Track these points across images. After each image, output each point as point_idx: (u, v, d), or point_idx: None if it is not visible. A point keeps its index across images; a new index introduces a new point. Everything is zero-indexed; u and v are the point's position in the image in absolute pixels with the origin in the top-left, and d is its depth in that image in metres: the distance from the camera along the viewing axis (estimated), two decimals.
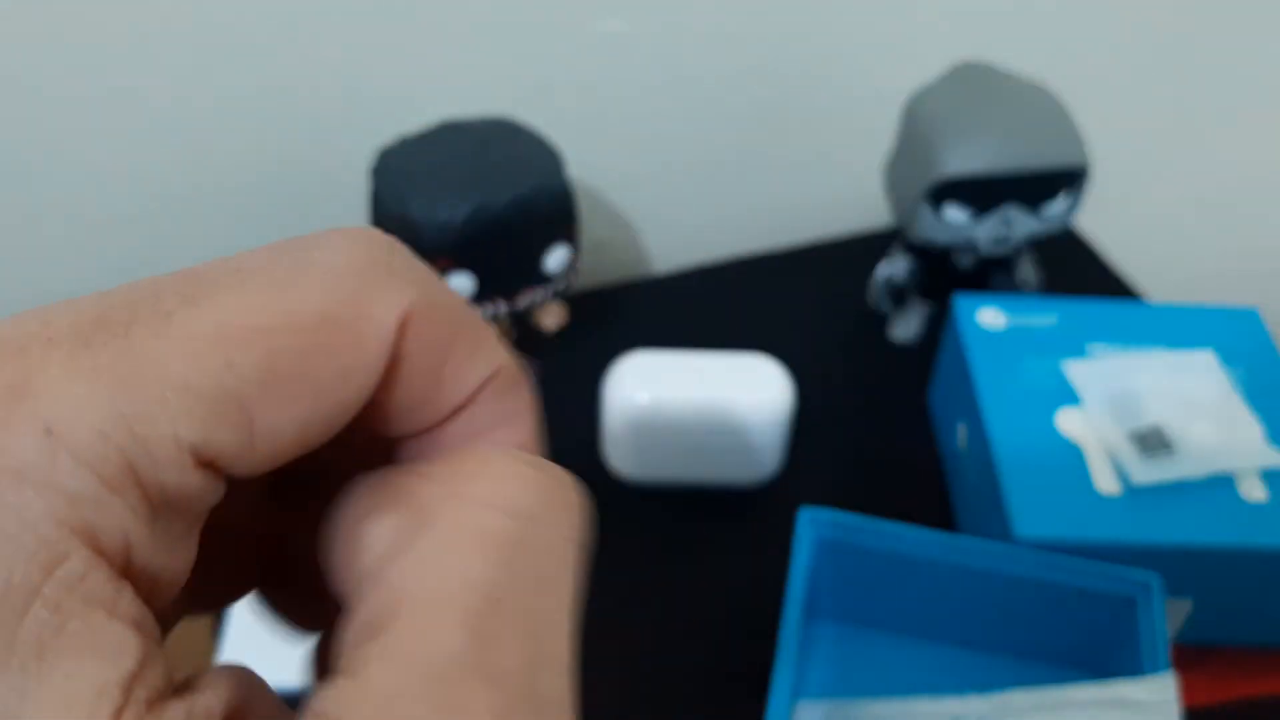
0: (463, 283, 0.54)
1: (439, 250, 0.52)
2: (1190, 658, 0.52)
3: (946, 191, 0.58)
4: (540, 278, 0.56)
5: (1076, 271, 0.73)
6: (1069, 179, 0.59)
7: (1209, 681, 0.52)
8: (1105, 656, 0.47)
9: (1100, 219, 0.75)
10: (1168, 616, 0.50)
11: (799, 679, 0.48)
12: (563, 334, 0.62)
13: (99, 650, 0.11)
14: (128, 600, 0.12)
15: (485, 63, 0.65)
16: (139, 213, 0.64)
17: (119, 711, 0.11)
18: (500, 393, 0.16)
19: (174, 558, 0.13)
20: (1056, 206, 0.60)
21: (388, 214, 0.53)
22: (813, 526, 0.47)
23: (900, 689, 0.48)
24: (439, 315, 0.15)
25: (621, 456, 0.55)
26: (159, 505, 0.12)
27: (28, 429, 0.11)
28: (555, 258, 0.56)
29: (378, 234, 0.15)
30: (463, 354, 0.15)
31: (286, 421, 0.13)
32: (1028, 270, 0.66)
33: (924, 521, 0.47)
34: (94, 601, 0.11)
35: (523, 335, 0.64)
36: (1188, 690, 0.48)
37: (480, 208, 0.52)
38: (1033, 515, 0.48)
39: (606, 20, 0.65)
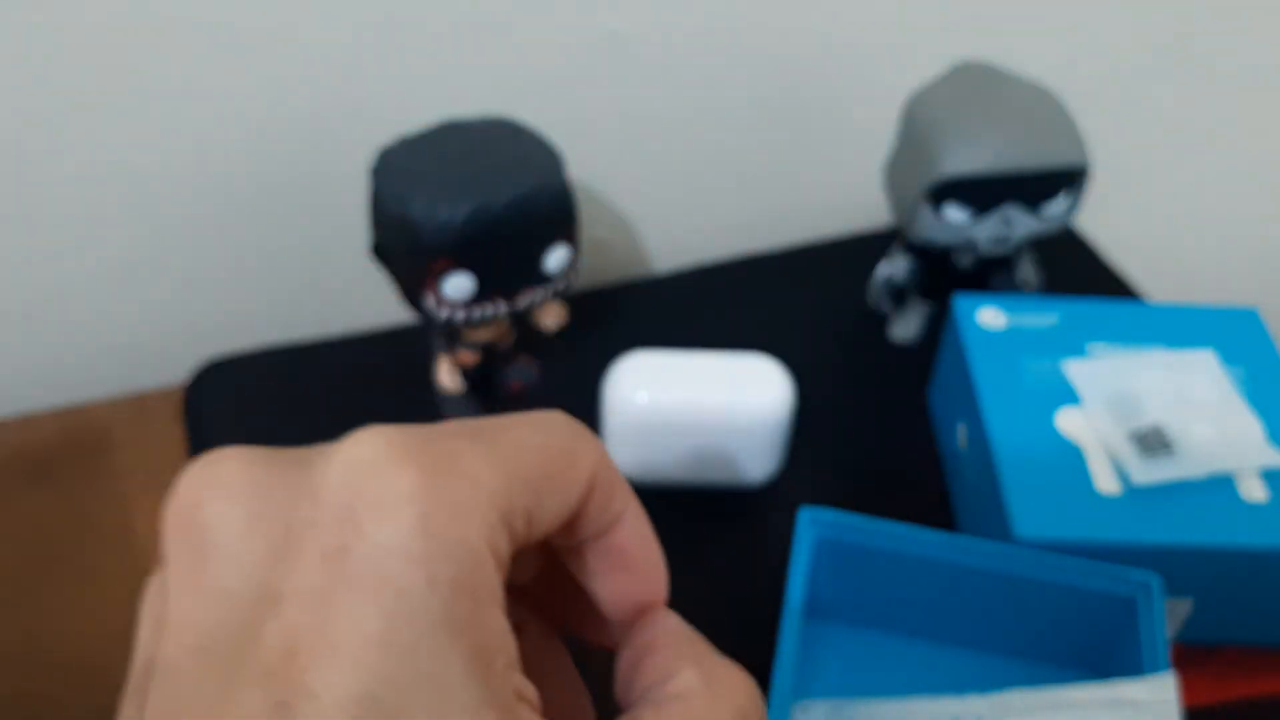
0: (463, 282, 0.54)
1: (439, 250, 0.52)
2: (1190, 658, 0.52)
3: (946, 191, 0.58)
4: (540, 277, 0.56)
5: (1076, 271, 0.73)
6: (1069, 179, 0.59)
7: (1209, 681, 0.52)
8: (1105, 656, 0.47)
9: (1100, 219, 0.75)
10: (1168, 616, 0.50)
11: (798, 679, 0.48)
12: (563, 333, 0.62)
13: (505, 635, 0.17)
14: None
15: (485, 63, 0.65)
16: (136, 212, 0.64)
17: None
18: (636, 518, 0.23)
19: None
20: (1057, 206, 0.60)
21: (388, 213, 0.53)
22: (813, 526, 0.47)
23: (900, 689, 0.48)
24: (608, 463, 0.21)
25: (621, 456, 0.55)
26: (516, 544, 0.19)
27: (460, 484, 0.18)
28: (555, 258, 0.56)
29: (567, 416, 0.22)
30: (618, 489, 0.22)
31: (550, 512, 0.19)
32: (1028, 270, 0.66)
33: (924, 521, 0.47)
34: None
35: (523, 335, 0.64)
36: (1188, 690, 0.48)
37: (480, 208, 0.52)
38: (1033, 515, 0.48)
39: (607, 20, 0.65)
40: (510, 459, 0.18)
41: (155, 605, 0.19)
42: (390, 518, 0.16)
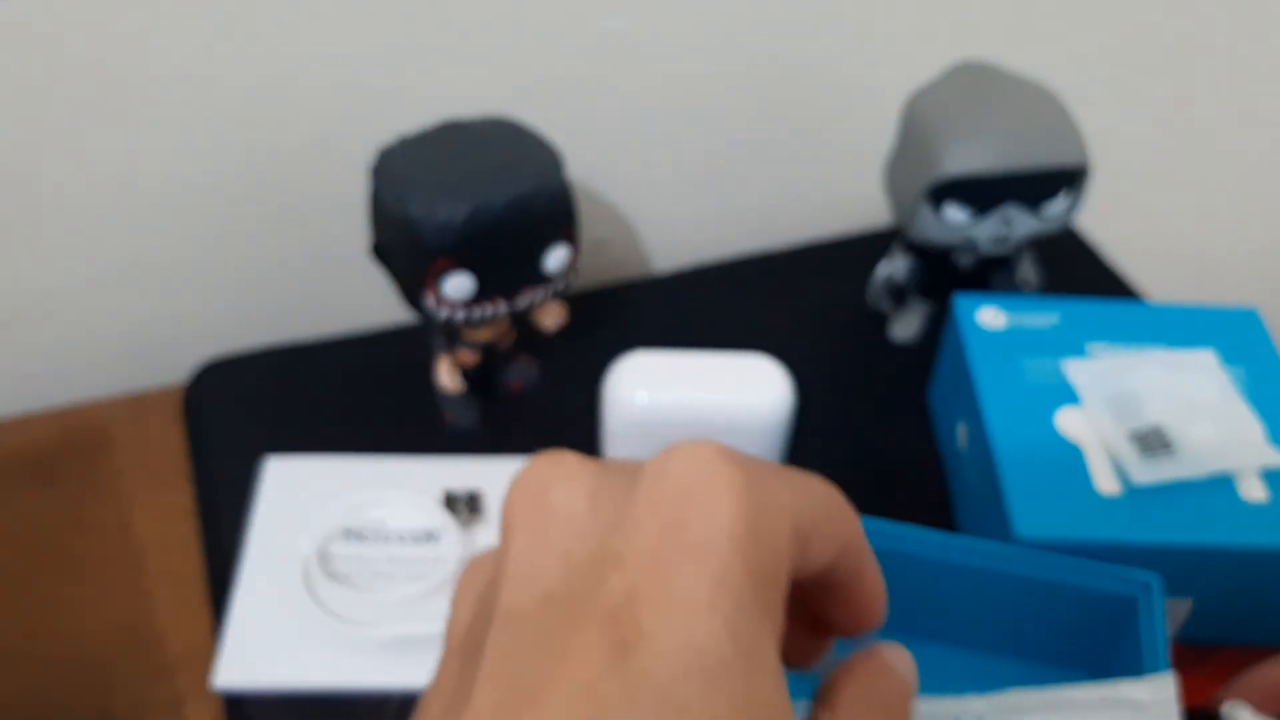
0: (462, 282, 0.54)
1: (439, 250, 0.52)
2: (1190, 658, 0.52)
3: (946, 191, 0.58)
4: (540, 277, 0.56)
5: (1076, 271, 0.73)
6: (1069, 179, 0.59)
7: (1209, 681, 0.52)
8: (1105, 656, 0.47)
9: (1100, 218, 0.75)
10: (1168, 616, 0.50)
11: (797, 678, 0.48)
12: (563, 334, 0.62)
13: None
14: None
15: (485, 62, 0.65)
16: (135, 213, 0.64)
17: None
18: (875, 579, 0.25)
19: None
20: (1057, 206, 0.60)
21: (388, 213, 0.53)
22: None
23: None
24: (861, 531, 0.23)
25: (622, 456, 0.55)
26: (783, 572, 0.19)
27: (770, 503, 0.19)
28: (555, 257, 0.56)
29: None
30: (866, 556, 0.24)
31: (815, 553, 0.21)
32: (1028, 270, 0.66)
33: (924, 521, 0.47)
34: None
35: (523, 335, 0.64)
36: (1188, 690, 0.48)
37: (480, 207, 0.52)
38: (1033, 515, 0.48)
39: (606, 20, 0.65)
40: (802, 493, 0.20)
41: (476, 582, 0.21)
42: (723, 503, 0.18)
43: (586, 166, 0.70)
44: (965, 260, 0.65)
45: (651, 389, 0.53)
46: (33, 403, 0.65)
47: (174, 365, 0.68)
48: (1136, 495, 0.49)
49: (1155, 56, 0.82)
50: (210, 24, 0.58)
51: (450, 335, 0.61)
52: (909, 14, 0.72)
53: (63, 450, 0.62)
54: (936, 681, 0.49)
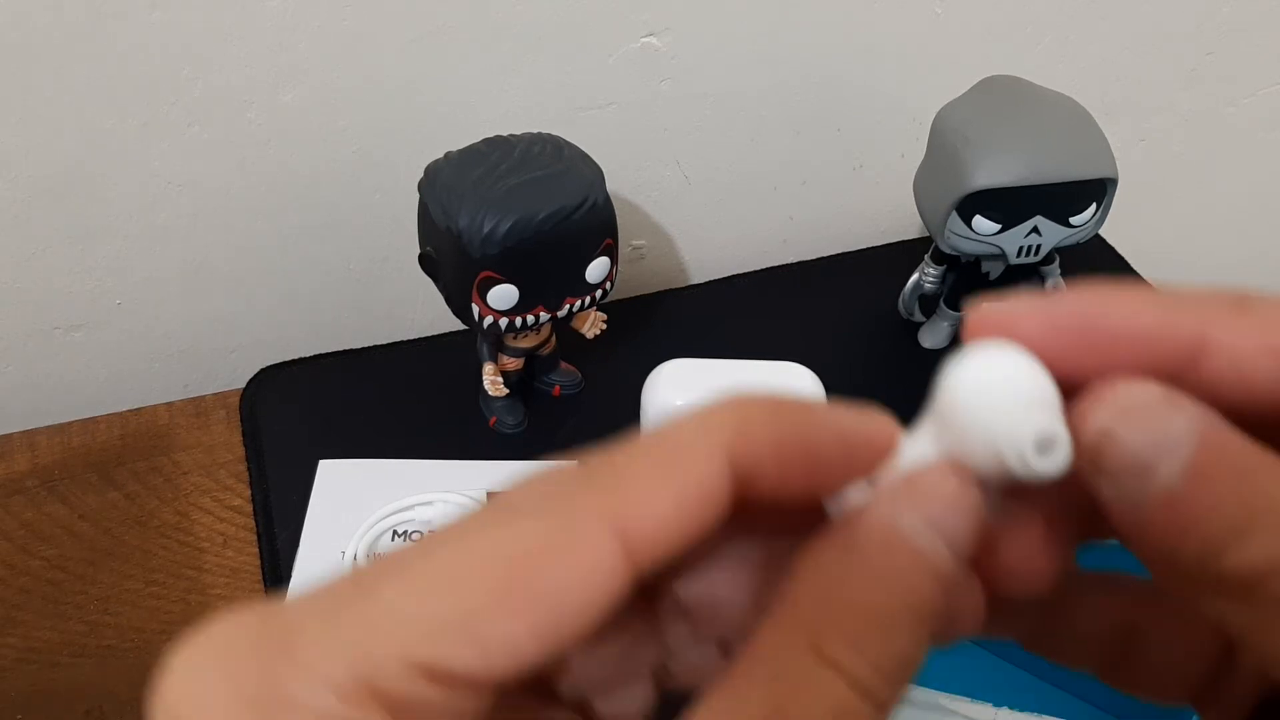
0: (507, 292, 0.56)
1: (484, 262, 0.54)
2: None
3: (975, 203, 0.59)
4: (581, 287, 0.58)
5: (1104, 279, 0.74)
6: (1097, 189, 0.60)
7: None
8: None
9: (1127, 227, 0.76)
10: None
11: None
12: (603, 341, 0.64)
13: None
14: None
15: (530, 82, 0.67)
16: (198, 221, 0.66)
17: None
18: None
19: None
20: (1085, 216, 0.61)
21: (435, 227, 0.56)
22: None
23: (936, 684, 0.49)
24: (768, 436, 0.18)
25: None
26: (404, 710, 0.15)
27: (292, 673, 0.15)
28: (596, 268, 0.58)
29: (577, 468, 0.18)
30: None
31: (520, 633, 0.16)
32: (1057, 279, 0.67)
33: None
34: None
35: (564, 342, 0.65)
36: None
37: (523, 221, 0.54)
38: None
39: (644, 40, 0.67)
40: (406, 597, 0.16)
41: None
42: None
43: (626, 180, 0.72)
44: (995, 270, 0.66)
45: (688, 394, 0.55)
46: (98, 406, 0.68)
47: (232, 371, 0.70)
48: None
49: (1181, 67, 0.83)
50: (267, 50, 0.60)
51: (495, 342, 0.62)
52: (939, 31, 0.74)
53: (125, 451, 0.64)
54: (968, 685, 0.50)
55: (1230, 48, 0.82)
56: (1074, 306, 0.18)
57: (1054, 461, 0.17)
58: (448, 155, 0.57)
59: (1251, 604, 0.15)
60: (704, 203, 0.78)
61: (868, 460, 0.18)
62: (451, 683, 0.15)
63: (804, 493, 0.18)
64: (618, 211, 0.58)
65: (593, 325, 0.63)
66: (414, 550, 0.16)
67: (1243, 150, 0.91)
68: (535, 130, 0.59)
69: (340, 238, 0.70)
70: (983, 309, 0.18)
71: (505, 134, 0.59)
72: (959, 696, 0.50)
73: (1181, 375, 0.17)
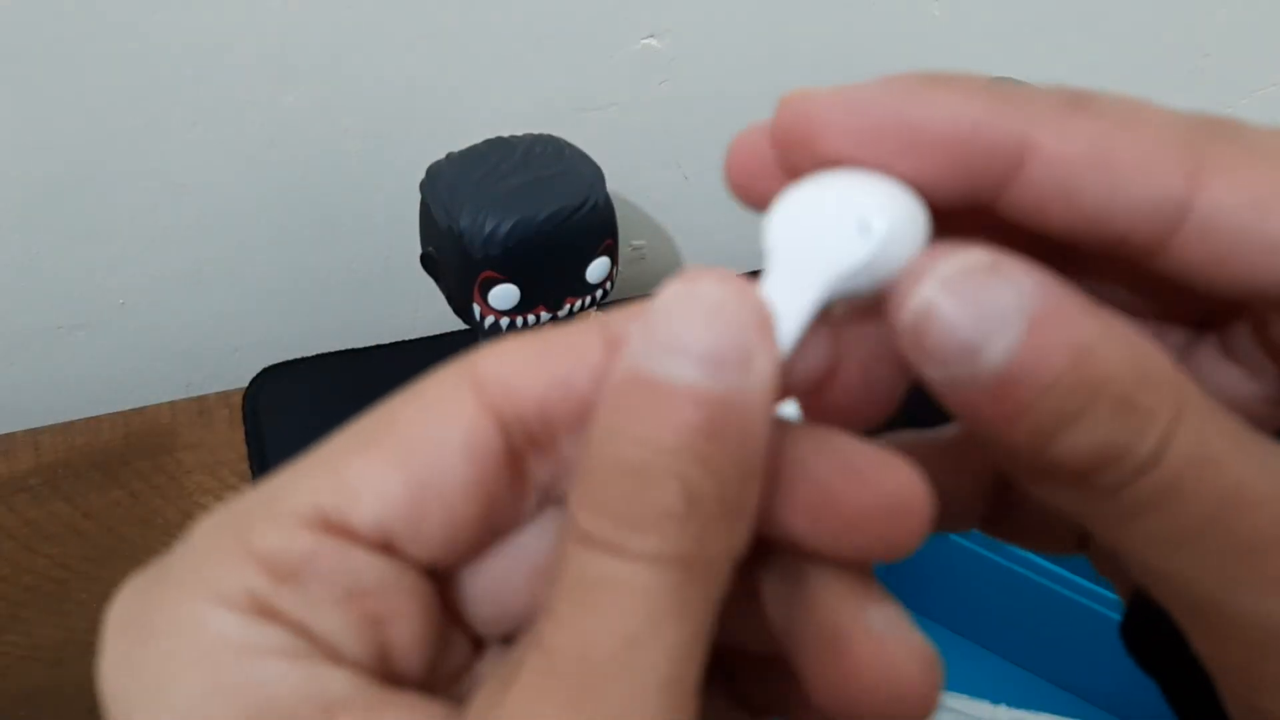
0: (508, 292, 0.56)
1: (485, 262, 0.55)
2: None
3: None
4: (582, 288, 0.59)
5: None
6: None
7: None
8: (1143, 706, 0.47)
9: None
10: None
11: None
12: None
13: None
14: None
15: (530, 83, 0.67)
16: (201, 220, 0.67)
17: None
18: None
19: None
20: None
21: (437, 227, 0.56)
22: None
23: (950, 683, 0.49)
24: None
25: None
26: (287, 568, 0.15)
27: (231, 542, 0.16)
28: (596, 268, 0.58)
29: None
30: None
31: (390, 480, 0.15)
32: None
33: None
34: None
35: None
36: None
37: (524, 221, 0.54)
38: None
39: (644, 41, 0.68)
40: (360, 471, 0.16)
41: None
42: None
43: (626, 180, 0.73)
44: None
45: None
46: (101, 405, 0.68)
47: (235, 370, 0.71)
48: None
49: (1179, 68, 0.83)
50: (269, 49, 0.60)
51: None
52: (937, 32, 0.74)
53: (129, 450, 0.65)
54: (967, 682, 0.50)
55: (1228, 49, 0.83)
56: (883, 99, 0.15)
57: (869, 241, 0.15)
58: (449, 156, 0.58)
59: (1086, 496, 0.14)
60: (704, 203, 0.78)
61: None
62: (325, 529, 0.15)
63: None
64: (618, 211, 0.59)
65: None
66: (367, 422, 0.17)
67: None
68: (536, 131, 0.60)
69: (342, 238, 0.70)
70: (788, 99, 0.16)
71: (506, 135, 0.59)
72: (958, 693, 0.50)
73: (999, 187, 0.15)
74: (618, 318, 0.16)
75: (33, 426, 0.66)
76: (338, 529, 0.15)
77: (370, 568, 0.15)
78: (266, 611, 0.14)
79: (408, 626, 0.15)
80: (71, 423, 0.66)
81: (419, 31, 0.63)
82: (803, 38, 0.71)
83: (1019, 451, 0.14)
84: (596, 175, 0.57)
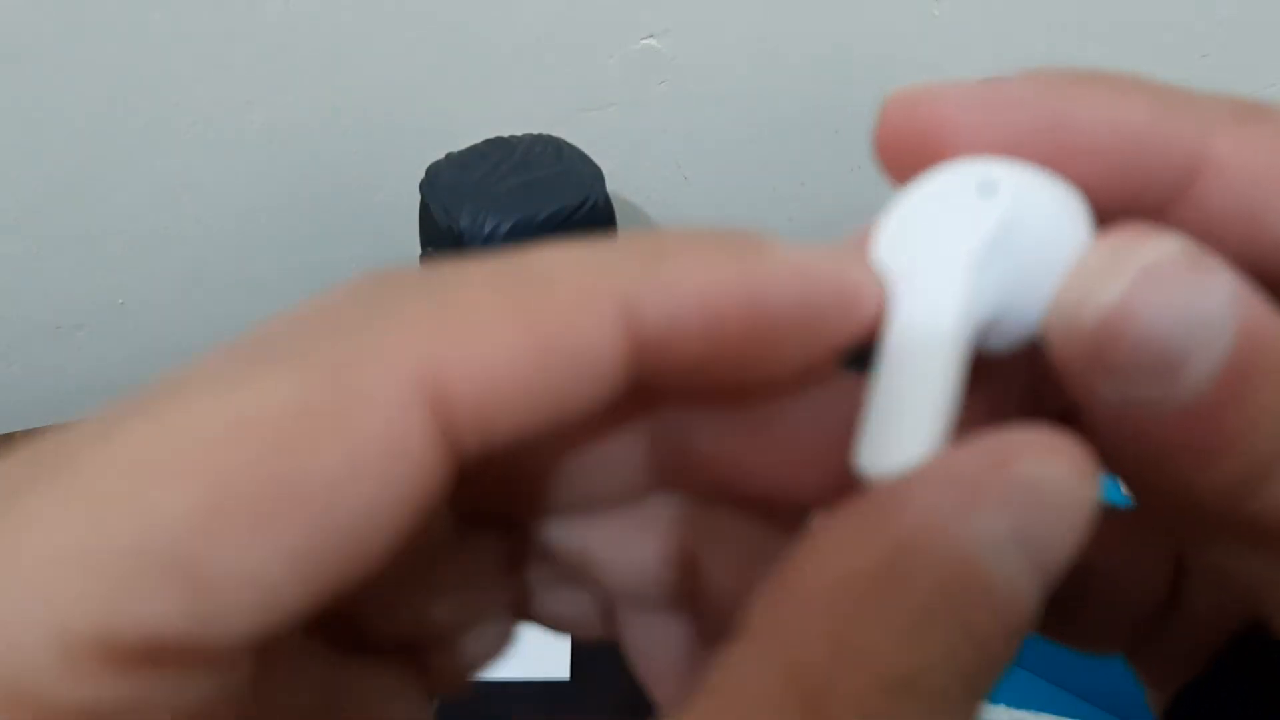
0: None
1: None
2: None
3: None
4: None
5: None
6: None
7: None
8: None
9: None
10: None
11: None
12: None
13: None
14: None
15: (529, 84, 0.67)
16: (200, 224, 0.67)
17: None
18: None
19: None
20: None
21: (436, 227, 0.56)
22: None
23: None
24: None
25: None
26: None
27: None
28: None
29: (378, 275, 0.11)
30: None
31: (264, 559, 0.09)
32: None
33: None
34: None
35: None
36: None
37: (524, 221, 0.54)
38: None
39: (644, 42, 0.68)
40: (64, 522, 0.09)
41: None
42: None
43: (626, 180, 0.73)
44: None
45: None
46: (101, 406, 0.68)
47: None
48: None
49: (1178, 69, 0.83)
50: (272, 44, 0.60)
51: None
52: (936, 32, 0.74)
53: None
54: None
55: (1227, 50, 0.83)
56: (1033, 97, 0.12)
57: (996, 201, 0.11)
58: (449, 156, 0.58)
59: None
60: (704, 203, 0.78)
61: (841, 327, 0.12)
62: (148, 661, 0.09)
63: (744, 377, 0.12)
64: (617, 212, 0.59)
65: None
66: (94, 425, 0.10)
67: None
68: (535, 131, 0.60)
69: (342, 238, 0.70)
70: (901, 96, 0.13)
71: (506, 135, 0.59)
72: None
73: (1167, 201, 0.12)
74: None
75: (32, 427, 0.66)
76: (135, 655, 0.09)
77: (192, 685, 0.09)
78: None
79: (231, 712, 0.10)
80: (71, 423, 0.66)
81: (419, 32, 0.63)
82: (802, 38, 0.71)
83: (1210, 501, 0.11)
84: (596, 175, 0.57)
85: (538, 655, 0.54)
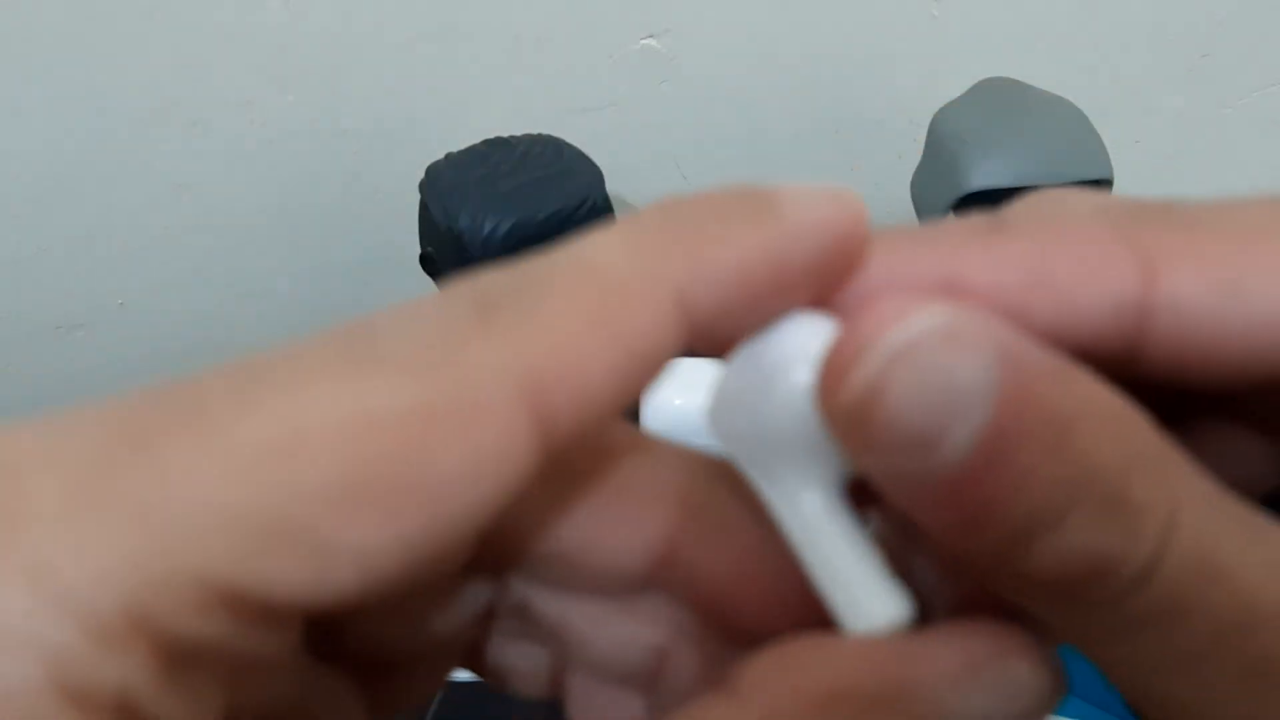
0: None
1: (484, 261, 0.55)
2: None
3: (972, 204, 0.60)
4: None
5: None
6: (1093, 190, 0.60)
7: None
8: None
9: None
10: None
11: None
12: None
13: None
14: None
15: (528, 84, 0.67)
16: (201, 223, 0.67)
17: None
18: None
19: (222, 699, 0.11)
20: None
21: (436, 227, 0.56)
22: None
23: None
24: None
25: None
26: (181, 656, 0.10)
27: (12, 575, 0.09)
28: None
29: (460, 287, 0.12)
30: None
31: (383, 542, 0.10)
32: None
33: None
34: None
35: None
36: None
37: (523, 221, 0.54)
38: None
39: (644, 42, 0.68)
40: (212, 477, 0.10)
41: None
42: None
43: (626, 180, 0.73)
44: None
45: (688, 394, 0.55)
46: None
47: None
48: None
49: (1177, 69, 0.83)
50: (272, 44, 0.60)
51: None
52: (935, 33, 0.74)
53: None
54: None
55: (1226, 49, 0.83)
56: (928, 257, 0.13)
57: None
58: (448, 156, 0.58)
59: (1069, 612, 0.12)
60: None
61: (850, 266, 0.13)
62: (262, 613, 0.10)
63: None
64: (617, 211, 0.59)
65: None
66: (222, 389, 0.10)
67: (1238, 151, 0.91)
68: (535, 131, 0.60)
69: (341, 238, 0.70)
70: (844, 211, 0.13)
71: (505, 135, 0.59)
72: None
73: (1137, 333, 0.12)
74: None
75: None
76: (255, 607, 0.10)
77: (273, 638, 0.11)
78: (77, 695, 0.10)
79: (262, 685, 0.12)
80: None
81: (419, 32, 0.63)
82: (802, 38, 0.71)
83: (986, 564, 0.12)
84: (596, 175, 0.57)
85: None
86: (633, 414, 0.60)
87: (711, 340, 0.13)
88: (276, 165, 0.65)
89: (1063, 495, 0.11)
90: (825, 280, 0.13)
